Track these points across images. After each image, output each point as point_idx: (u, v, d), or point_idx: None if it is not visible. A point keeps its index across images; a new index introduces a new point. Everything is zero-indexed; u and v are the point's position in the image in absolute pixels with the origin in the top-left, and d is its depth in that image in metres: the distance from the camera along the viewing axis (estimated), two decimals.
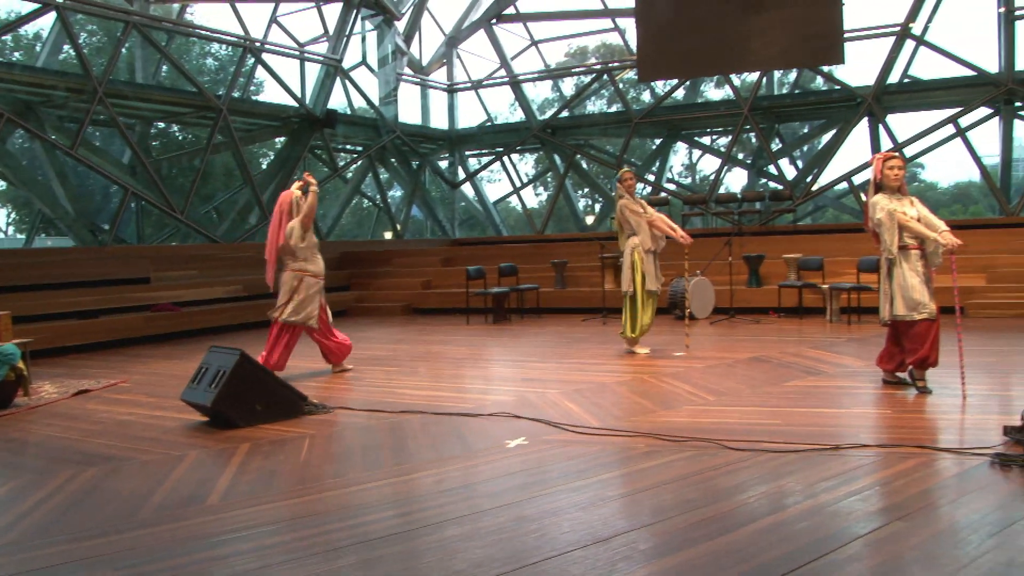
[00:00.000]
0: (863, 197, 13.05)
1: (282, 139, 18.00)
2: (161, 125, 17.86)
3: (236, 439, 5.27)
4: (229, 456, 4.85)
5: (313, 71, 17.61)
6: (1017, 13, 14.94)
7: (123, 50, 14.29)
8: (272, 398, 5.80)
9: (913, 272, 5.99)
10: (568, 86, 21.47)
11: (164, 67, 16.22)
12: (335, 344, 7.98)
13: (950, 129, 15.44)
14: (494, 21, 20.03)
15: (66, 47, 14.69)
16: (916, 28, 15.52)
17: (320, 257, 7.83)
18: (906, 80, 15.97)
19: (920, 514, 3.49)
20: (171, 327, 11.58)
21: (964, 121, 15.39)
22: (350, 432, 5.46)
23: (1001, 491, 3.75)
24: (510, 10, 19.84)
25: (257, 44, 16.41)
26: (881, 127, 15.96)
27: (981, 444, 4.44)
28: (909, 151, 15.79)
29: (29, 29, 17.71)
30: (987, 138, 20.69)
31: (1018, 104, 15.33)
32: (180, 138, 19.17)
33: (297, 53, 17.49)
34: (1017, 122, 15.61)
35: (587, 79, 20.49)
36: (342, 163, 19.03)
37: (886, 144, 15.78)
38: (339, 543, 3.36)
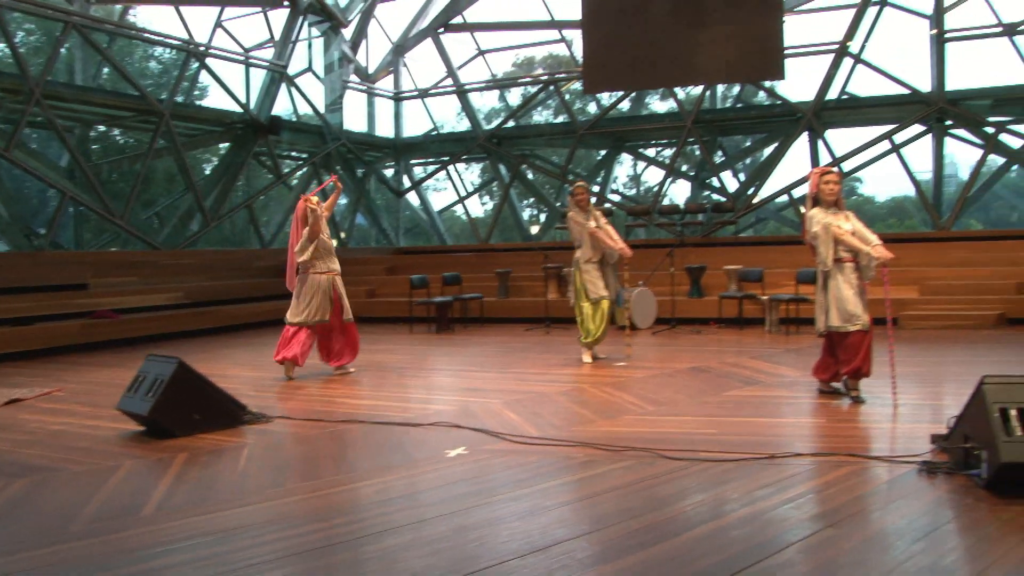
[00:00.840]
0: (802, 210, 13.34)
1: (226, 145, 17.72)
2: (101, 128, 17.45)
3: (173, 449, 5.18)
4: (166, 466, 4.77)
5: (258, 77, 17.40)
6: (947, 35, 15.44)
7: (62, 51, 13.97)
8: (210, 407, 5.73)
9: (847, 284, 6.15)
10: (514, 96, 21.51)
11: (105, 69, 15.89)
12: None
13: (886, 145, 15.86)
14: (441, 30, 20.02)
15: (1, 46, 14.32)
16: (854, 46, 15.93)
17: (335, 257, 8.33)
18: (844, 96, 16.34)
19: (851, 520, 3.59)
20: (109, 335, 11.31)
21: (899, 138, 15.82)
22: (290, 442, 5.41)
23: (927, 498, 3.87)
24: (457, 19, 19.85)
25: (201, 48, 16.18)
26: (820, 142, 16.30)
27: (910, 452, 4.57)
28: (847, 166, 16.18)
29: None
30: (920, 154, 21.26)
31: (948, 123, 15.81)
32: (121, 142, 18.75)
33: (242, 58, 17.27)
34: (948, 140, 16.10)
35: (533, 89, 20.58)
36: (287, 170, 18.83)
37: (825, 158, 16.14)
38: (278, 554, 3.33)
